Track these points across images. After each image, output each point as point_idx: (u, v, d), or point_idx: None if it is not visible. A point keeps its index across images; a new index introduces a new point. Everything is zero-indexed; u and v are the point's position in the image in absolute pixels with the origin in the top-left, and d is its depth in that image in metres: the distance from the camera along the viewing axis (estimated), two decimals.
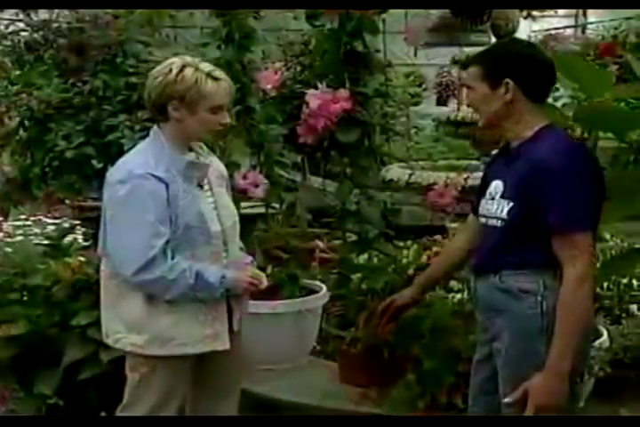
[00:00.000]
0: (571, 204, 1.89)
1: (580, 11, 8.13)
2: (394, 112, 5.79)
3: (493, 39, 4.70)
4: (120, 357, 2.68)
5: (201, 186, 2.30)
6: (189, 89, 2.17)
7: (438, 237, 4.25)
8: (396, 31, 6.29)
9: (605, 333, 3.35)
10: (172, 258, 2.18)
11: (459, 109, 7.68)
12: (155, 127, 2.30)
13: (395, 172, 4.42)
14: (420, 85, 8.73)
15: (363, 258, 3.62)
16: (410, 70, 8.55)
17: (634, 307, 3.35)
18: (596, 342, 3.25)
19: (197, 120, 2.21)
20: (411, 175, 4.29)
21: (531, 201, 1.93)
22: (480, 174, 3.85)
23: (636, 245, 3.12)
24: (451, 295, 3.51)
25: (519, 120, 2.00)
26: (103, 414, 2.82)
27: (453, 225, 3.77)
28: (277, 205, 3.58)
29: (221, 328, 2.31)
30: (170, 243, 2.18)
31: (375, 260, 3.64)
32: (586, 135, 2.54)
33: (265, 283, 2.40)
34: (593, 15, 7.99)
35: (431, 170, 4.54)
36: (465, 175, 4.08)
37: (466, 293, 3.58)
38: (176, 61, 2.22)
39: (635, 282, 3.47)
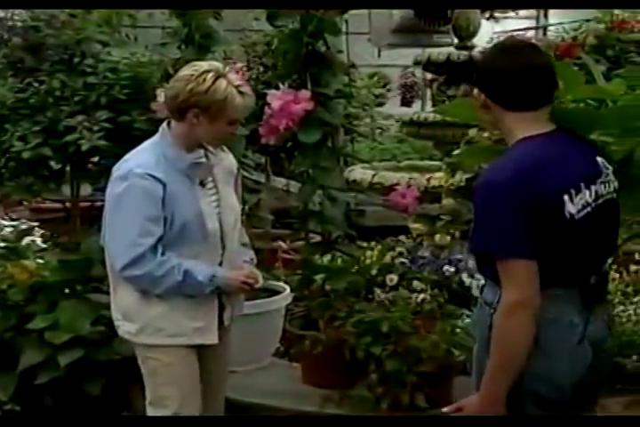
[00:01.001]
0: (489, 230, 1.83)
1: (542, 12, 8.22)
2: (357, 113, 5.80)
3: (455, 40, 4.72)
4: (78, 361, 2.66)
5: (204, 184, 2.33)
6: (218, 102, 2.19)
7: (402, 237, 4.26)
8: (360, 32, 6.31)
9: None
10: (163, 255, 2.24)
11: (422, 110, 7.75)
12: (164, 125, 2.32)
13: (358, 172, 4.41)
14: (384, 86, 8.74)
15: (326, 259, 3.62)
16: (374, 71, 8.56)
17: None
18: None
19: (213, 129, 2.25)
20: (374, 176, 4.28)
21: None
22: (441, 175, 3.90)
23: None
24: (414, 295, 3.52)
25: (505, 130, 1.94)
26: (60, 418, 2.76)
27: (415, 225, 3.78)
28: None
29: (211, 323, 2.36)
30: (163, 240, 2.24)
31: (339, 260, 3.63)
32: None
33: (261, 282, 2.45)
34: (554, 17, 8.07)
35: (394, 170, 4.54)
36: (427, 176, 4.09)
37: (428, 293, 3.62)
38: (210, 70, 2.21)
39: None
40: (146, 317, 2.31)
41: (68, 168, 3.30)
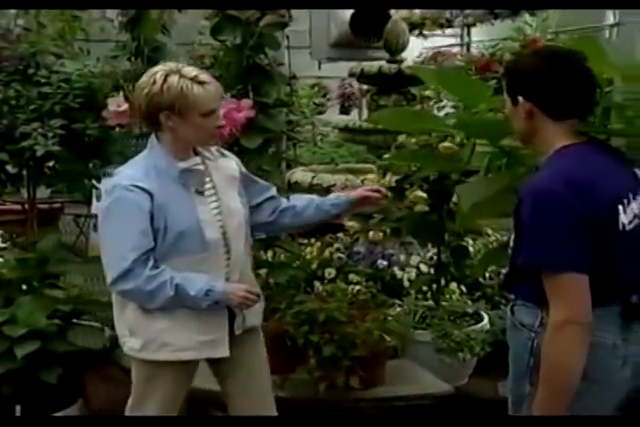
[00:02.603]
0: (541, 241, 1.60)
1: (465, 31, 8.38)
2: (299, 120, 5.81)
3: (387, 55, 4.76)
4: (35, 352, 2.60)
5: (201, 192, 2.13)
6: (177, 98, 2.00)
7: (340, 234, 4.29)
8: (302, 46, 6.32)
9: (486, 317, 3.45)
10: (157, 268, 2.03)
11: (360, 117, 7.80)
12: (152, 137, 2.14)
13: (298, 174, 4.43)
14: (324, 96, 8.80)
15: (269, 255, 3.61)
16: (315, 82, 8.60)
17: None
18: (478, 326, 3.36)
19: (191, 127, 2.05)
20: (313, 178, 4.30)
21: (517, 232, 1.69)
22: (373, 176, 3.94)
23: None
24: (350, 287, 3.54)
25: (542, 139, 1.73)
26: (18, 407, 2.70)
27: (351, 223, 3.81)
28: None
29: (219, 335, 2.15)
30: (157, 252, 2.05)
31: (281, 256, 3.63)
32: (465, 141, 2.58)
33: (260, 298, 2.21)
34: (476, 35, 8.23)
35: (332, 172, 4.57)
36: (362, 177, 4.12)
37: (363, 284, 3.64)
38: (159, 70, 2.05)
39: None
40: (150, 331, 2.10)
41: (24, 172, 3.24)
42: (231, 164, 2.27)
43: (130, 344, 2.15)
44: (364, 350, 2.85)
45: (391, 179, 3.47)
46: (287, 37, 4.63)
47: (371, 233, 3.80)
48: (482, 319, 3.44)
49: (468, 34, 8.45)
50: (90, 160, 3.30)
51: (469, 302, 3.63)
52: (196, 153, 2.17)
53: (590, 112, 1.77)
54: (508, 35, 5.10)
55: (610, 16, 6.13)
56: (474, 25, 7.59)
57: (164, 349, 2.11)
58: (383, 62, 4.58)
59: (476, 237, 3.82)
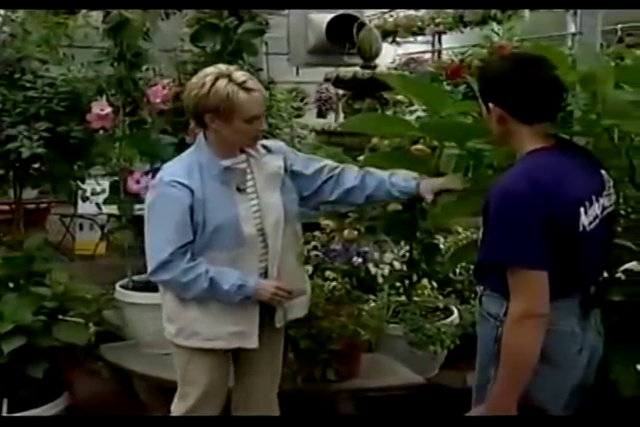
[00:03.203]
0: (502, 239, 1.63)
1: (437, 38, 8.44)
2: (278, 123, 5.79)
3: (362, 61, 4.77)
4: (21, 348, 2.58)
5: (242, 189, 2.13)
6: (222, 102, 2.00)
7: (317, 232, 4.29)
8: (280, 53, 6.32)
9: (456, 311, 3.47)
10: (194, 261, 2.06)
11: (336, 121, 7.81)
12: (200, 135, 2.15)
13: None
14: (302, 100, 8.79)
15: None
16: (293, 87, 8.59)
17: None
18: (449, 320, 3.38)
19: (233, 130, 2.05)
20: None
21: (484, 228, 1.71)
22: None
23: None
24: (327, 283, 3.54)
25: (516, 142, 1.74)
26: (5, 401, 2.68)
27: (326, 222, 3.81)
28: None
29: (248, 327, 2.16)
30: (195, 245, 2.07)
31: None
32: (435, 143, 2.59)
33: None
34: (447, 42, 8.28)
35: None
36: None
37: (339, 281, 3.64)
38: (210, 73, 2.04)
39: None
40: (184, 319, 2.16)
41: (11, 173, 3.22)
42: (275, 161, 2.22)
43: (168, 329, 2.21)
44: (339, 344, 2.86)
45: None
46: (266, 44, 4.64)
47: (346, 231, 3.80)
48: (452, 314, 3.46)
49: (439, 41, 8.51)
50: (74, 162, 3.28)
51: (440, 297, 3.65)
52: (242, 151, 2.17)
53: (557, 114, 1.78)
54: (477, 42, 5.14)
55: (572, 25, 6.21)
56: (444, 32, 7.66)
57: (195, 337, 2.15)
58: (358, 68, 4.59)
59: (446, 234, 3.84)
